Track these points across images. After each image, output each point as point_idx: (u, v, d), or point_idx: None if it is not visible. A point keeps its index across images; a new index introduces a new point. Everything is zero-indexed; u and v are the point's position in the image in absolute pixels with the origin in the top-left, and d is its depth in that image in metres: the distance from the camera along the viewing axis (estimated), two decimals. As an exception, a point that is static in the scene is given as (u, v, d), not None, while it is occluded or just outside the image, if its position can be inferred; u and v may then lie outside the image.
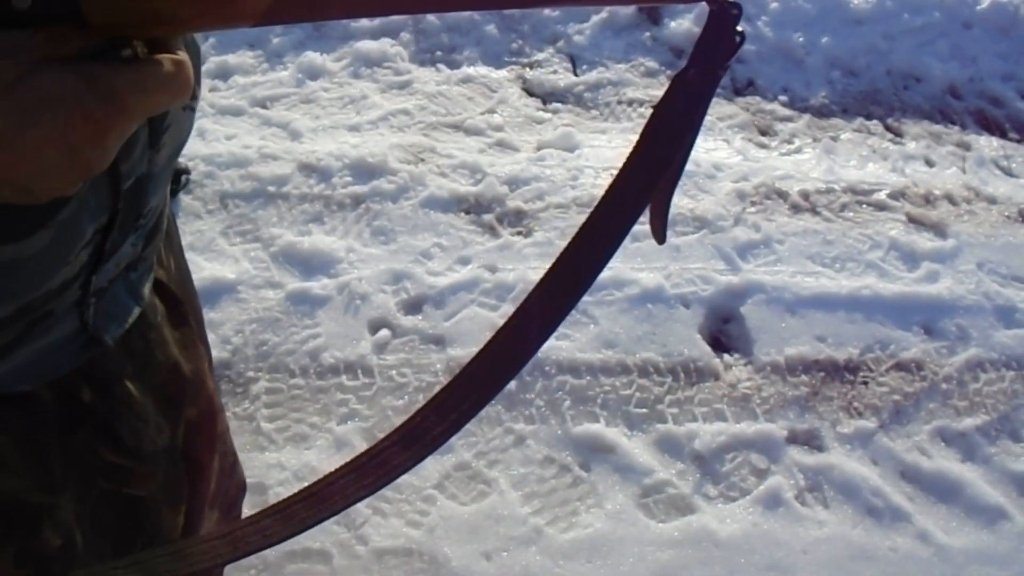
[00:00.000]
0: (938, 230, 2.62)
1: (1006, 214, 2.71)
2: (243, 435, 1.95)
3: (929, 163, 2.88)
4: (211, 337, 2.11)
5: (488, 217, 2.46)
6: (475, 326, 2.18)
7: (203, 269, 2.24)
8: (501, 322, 2.22)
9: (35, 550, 0.70)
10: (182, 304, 0.86)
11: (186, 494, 0.88)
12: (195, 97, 0.66)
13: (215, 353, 2.08)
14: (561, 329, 2.21)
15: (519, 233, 2.43)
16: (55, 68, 0.41)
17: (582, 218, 2.36)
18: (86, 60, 0.42)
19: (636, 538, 1.87)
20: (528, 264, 2.32)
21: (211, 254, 2.29)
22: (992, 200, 2.75)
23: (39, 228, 0.53)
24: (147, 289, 0.76)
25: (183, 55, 0.46)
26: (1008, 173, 2.89)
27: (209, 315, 2.16)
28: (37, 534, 0.70)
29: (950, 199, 2.73)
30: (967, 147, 2.95)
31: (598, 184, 2.57)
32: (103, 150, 0.43)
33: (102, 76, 0.42)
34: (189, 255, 2.29)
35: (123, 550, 0.79)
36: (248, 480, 1.87)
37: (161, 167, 0.65)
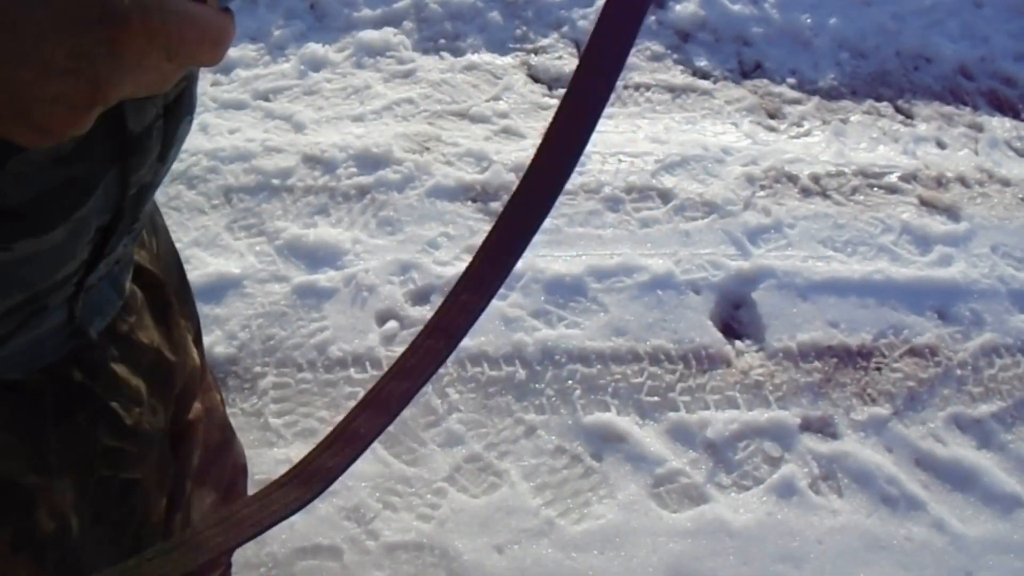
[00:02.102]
0: (951, 213, 2.59)
1: (1020, 196, 2.68)
2: (251, 431, 1.94)
3: (941, 145, 2.84)
4: (217, 333, 2.09)
5: (495, 205, 2.44)
6: (483, 316, 2.15)
7: (208, 264, 2.22)
8: (509, 312, 2.20)
9: (30, 532, 0.70)
10: (163, 285, 0.87)
11: (172, 474, 0.88)
12: (193, 107, 0.65)
13: (221, 349, 2.06)
14: (571, 317, 2.20)
15: (526, 222, 2.40)
16: None
17: (591, 205, 2.37)
18: None
19: (648, 529, 1.85)
20: (536, 252, 2.29)
21: (216, 249, 2.27)
22: (1006, 182, 2.71)
23: (59, 224, 0.55)
24: (128, 281, 0.78)
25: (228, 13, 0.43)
26: (1022, 154, 2.85)
27: (215, 310, 2.14)
28: (31, 516, 0.70)
29: (963, 181, 2.70)
30: (979, 128, 2.91)
31: (605, 170, 2.54)
32: (117, 66, 0.37)
33: None
34: (194, 251, 2.28)
35: (119, 536, 0.80)
36: (257, 476, 1.86)
37: (161, 177, 0.67)
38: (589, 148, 2.41)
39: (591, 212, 2.42)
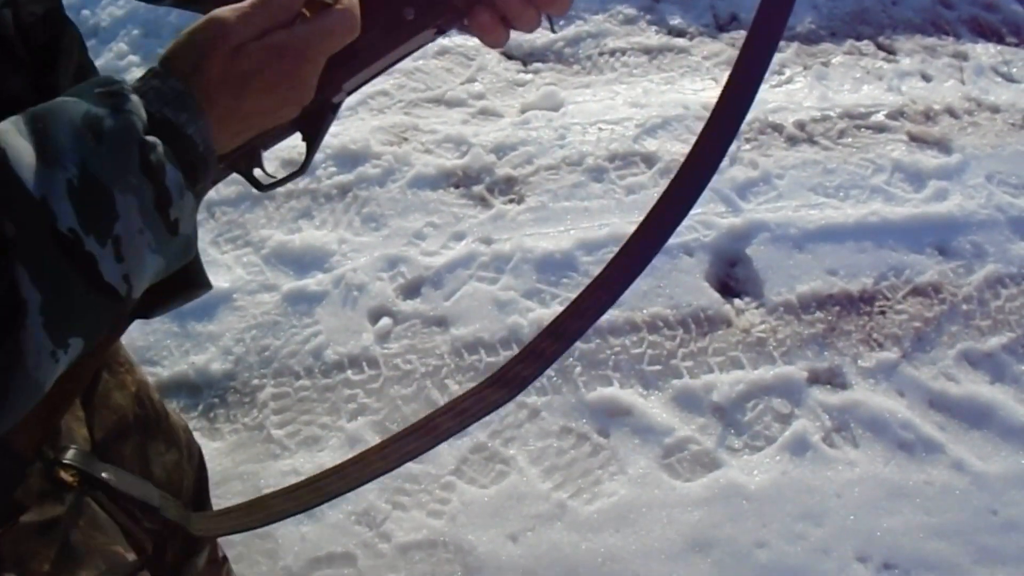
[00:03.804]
0: (942, 146, 2.53)
1: (1011, 122, 2.62)
2: (254, 445, 1.92)
3: (926, 78, 2.78)
4: (212, 350, 2.07)
5: (478, 188, 2.40)
6: (476, 302, 2.13)
7: (195, 280, 2.19)
8: (502, 295, 2.15)
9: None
10: None
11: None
12: None
13: (218, 365, 2.04)
14: (564, 293, 2.17)
15: (511, 201, 2.37)
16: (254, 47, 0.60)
17: (574, 178, 2.31)
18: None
19: (662, 501, 1.82)
20: (523, 231, 2.26)
21: (204, 265, 2.24)
22: (995, 109, 2.66)
23: None
24: None
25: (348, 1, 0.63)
26: (1009, 79, 2.79)
27: (208, 327, 2.12)
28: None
29: (951, 112, 2.64)
30: (964, 57, 2.85)
31: (586, 140, 2.50)
32: (301, 85, 0.64)
33: (282, 42, 0.61)
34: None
35: None
36: (264, 490, 1.84)
37: None
38: (568, 120, 2.34)
39: (575, 185, 2.38)
